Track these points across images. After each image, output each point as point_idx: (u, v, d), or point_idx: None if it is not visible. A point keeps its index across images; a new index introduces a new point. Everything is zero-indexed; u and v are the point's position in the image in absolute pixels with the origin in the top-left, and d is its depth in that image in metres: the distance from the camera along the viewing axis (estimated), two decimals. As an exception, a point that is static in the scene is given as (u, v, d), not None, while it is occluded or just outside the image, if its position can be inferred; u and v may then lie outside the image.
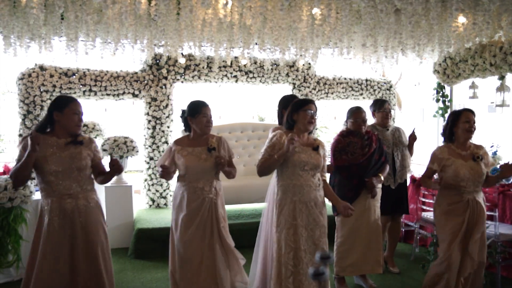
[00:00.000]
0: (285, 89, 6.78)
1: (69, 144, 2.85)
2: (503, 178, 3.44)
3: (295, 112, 3.08)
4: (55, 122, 2.86)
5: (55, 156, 2.78)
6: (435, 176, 3.47)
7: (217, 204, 3.19)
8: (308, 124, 3.06)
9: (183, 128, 3.32)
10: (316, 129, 6.72)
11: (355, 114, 3.88)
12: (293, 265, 2.94)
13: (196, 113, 3.16)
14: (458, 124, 3.37)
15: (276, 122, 3.83)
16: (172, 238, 3.22)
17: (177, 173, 3.27)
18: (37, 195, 4.27)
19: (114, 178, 5.38)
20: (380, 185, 3.94)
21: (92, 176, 3.00)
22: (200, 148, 3.15)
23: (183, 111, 3.26)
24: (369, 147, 3.85)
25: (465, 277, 3.32)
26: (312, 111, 3.06)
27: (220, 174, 3.28)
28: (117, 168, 2.91)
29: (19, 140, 2.84)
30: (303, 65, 6.61)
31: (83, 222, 2.84)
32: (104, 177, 3.02)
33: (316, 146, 3.06)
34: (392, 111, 4.72)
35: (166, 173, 3.07)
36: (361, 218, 3.79)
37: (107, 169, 3.01)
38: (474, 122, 3.36)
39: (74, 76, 5.72)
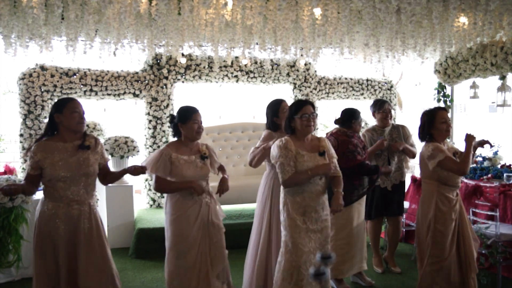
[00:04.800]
0: (286, 89, 6.79)
1: (77, 149, 2.83)
2: (469, 147, 3.24)
3: (292, 119, 3.03)
4: (58, 125, 2.84)
5: (63, 162, 2.75)
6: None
7: (212, 207, 3.18)
8: (306, 128, 3.00)
9: (172, 133, 3.27)
10: (317, 128, 6.73)
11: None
12: (305, 268, 2.92)
13: (187, 119, 3.12)
14: (435, 125, 3.33)
15: None
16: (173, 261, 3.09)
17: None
18: (38, 195, 4.26)
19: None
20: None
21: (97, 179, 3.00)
22: (193, 157, 3.13)
23: (173, 117, 3.22)
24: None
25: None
26: (308, 114, 3.00)
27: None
28: (138, 171, 2.98)
29: (24, 153, 2.83)
30: (304, 65, 6.61)
31: (88, 227, 2.83)
32: (112, 177, 3.06)
33: (322, 152, 3.00)
34: (393, 111, 4.68)
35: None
36: (351, 221, 3.86)
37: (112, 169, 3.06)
38: (449, 120, 3.35)
39: (75, 76, 5.72)
